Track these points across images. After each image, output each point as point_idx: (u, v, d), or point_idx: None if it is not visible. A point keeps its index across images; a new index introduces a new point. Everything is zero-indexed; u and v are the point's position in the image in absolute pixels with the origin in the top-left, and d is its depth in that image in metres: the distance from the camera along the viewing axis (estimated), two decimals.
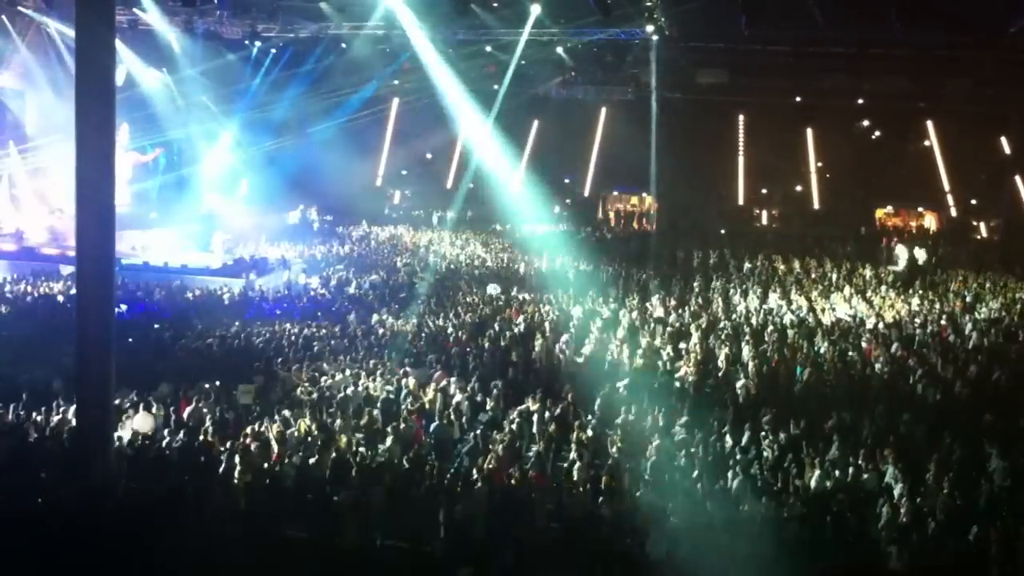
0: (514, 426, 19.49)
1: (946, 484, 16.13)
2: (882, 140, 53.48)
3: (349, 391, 21.48)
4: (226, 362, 24.09)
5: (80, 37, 14.34)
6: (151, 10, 39.11)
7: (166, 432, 18.16)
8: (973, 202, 53.50)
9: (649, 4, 35.04)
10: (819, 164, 56.12)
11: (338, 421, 19.27)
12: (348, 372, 22.99)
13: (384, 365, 23.84)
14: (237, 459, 16.36)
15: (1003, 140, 51.34)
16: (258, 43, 45.10)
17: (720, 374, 24.24)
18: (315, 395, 21.20)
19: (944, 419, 20.40)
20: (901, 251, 42.05)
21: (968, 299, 33.47)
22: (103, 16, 14.30)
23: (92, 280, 14.19)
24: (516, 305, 32.45)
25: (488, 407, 20.97)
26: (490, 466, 16.83)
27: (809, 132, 55.56)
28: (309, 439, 18.11)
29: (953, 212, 53.78)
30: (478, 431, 19.30)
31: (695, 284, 36.56)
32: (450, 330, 28.53)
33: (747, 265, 41.13)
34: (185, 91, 47.76)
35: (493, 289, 35.31)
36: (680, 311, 31.50)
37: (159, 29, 42.43)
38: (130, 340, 25.02)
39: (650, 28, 37.96)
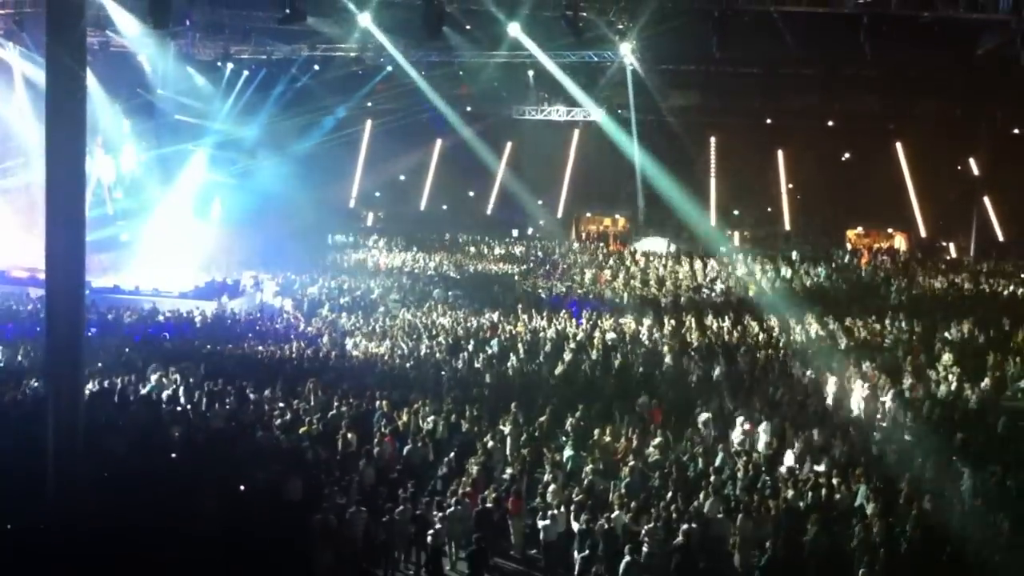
0: (488, 448, 19.45)
1: (917, 504, 16.21)
2: (852, 161, 53.92)
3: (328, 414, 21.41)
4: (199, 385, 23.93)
5: (50, 59, 14.28)
6: (123, 32, 38.92)
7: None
8: (942, 223, 53.96)
9: (621, 27, 35.23)
10: (790, 185, 56.45)
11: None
12: (320, 394, 22.92)
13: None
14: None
15: (972, 161, 51.85)
16: (231, 64, 45.01)
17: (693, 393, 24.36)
18: (288, 417, 21.09)
19: (914, 439, 20.54)
20: None
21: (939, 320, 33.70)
22: (74, 38, 14.25)
23: (62, 301, 14.10)
24: (489, 325, 32.46)
25: (463, 429, 20.93)
26: (465, 489, 16.80)
27: (780, 153, 55.92)
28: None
29: (923, 232, 54.20)
30: (452, 454, 19.21)
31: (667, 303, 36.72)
32: (424, 351, 28.52)
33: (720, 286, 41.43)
34: (157, 112, 47.57)
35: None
36: (653, 330, 31.63)
37: (131, 51, 42.28)
38: (99, 365, 24.87)
39: (622, 50, 38.19)
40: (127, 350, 27.58)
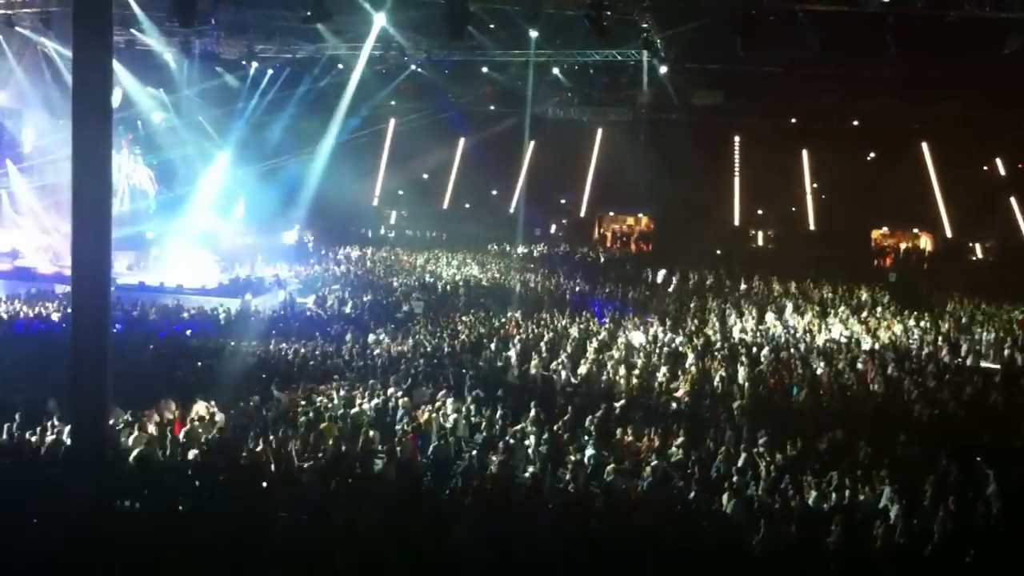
0: (509, 446, 19.45)
1: (942, 506, 16.08)
2: (877, 161, 53.62)
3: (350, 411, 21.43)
4: (223, 382, 24.00)
5: (77, 57, 14.37)
6: (148, 30, 39.17)
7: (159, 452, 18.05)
8: (968, 223, 53.57)
9: (645, 26, 35.14)
10: (814, 185, 56.27)
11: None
12: (343, 392, 22.97)
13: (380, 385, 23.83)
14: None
15: (998, 161, 51.48)
16: (255, 63, 45.22)
17: (716, 395, 24.25)
18: (311, 415, 21.14)
19: (940, 440, 20.37)
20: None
21: (964, 320, 33.48)
22: (100, 36, 14.32)
23: (87, 298, 14.18)
24: (512, 324, 32.46)
25: (483, 427, 20.95)
26: (485, 487, 16.79)
27: (804, 153, 55.71)
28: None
29: (948, 233, 53.85)
30: (474, 452, 19.23)
31: (691, 304, 36.60)
32: (446, 349, 28.53)
33: (743, 286, 41.26)
34: (182, 110, 47.91)
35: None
36: (676, 332, 31.53)
37: (157, 49, 42.55)
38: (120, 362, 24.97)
39: (645, 50, 38.11)
40: (151, 347, 27.73)
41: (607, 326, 32.49)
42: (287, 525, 15.71)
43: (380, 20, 37.12)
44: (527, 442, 19.90)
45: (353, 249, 53.13)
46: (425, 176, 62.51)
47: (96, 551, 13.64)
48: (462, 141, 60.31)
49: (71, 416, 15.20)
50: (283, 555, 14.36)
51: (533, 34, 37.30)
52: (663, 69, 42.40)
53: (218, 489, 16.31)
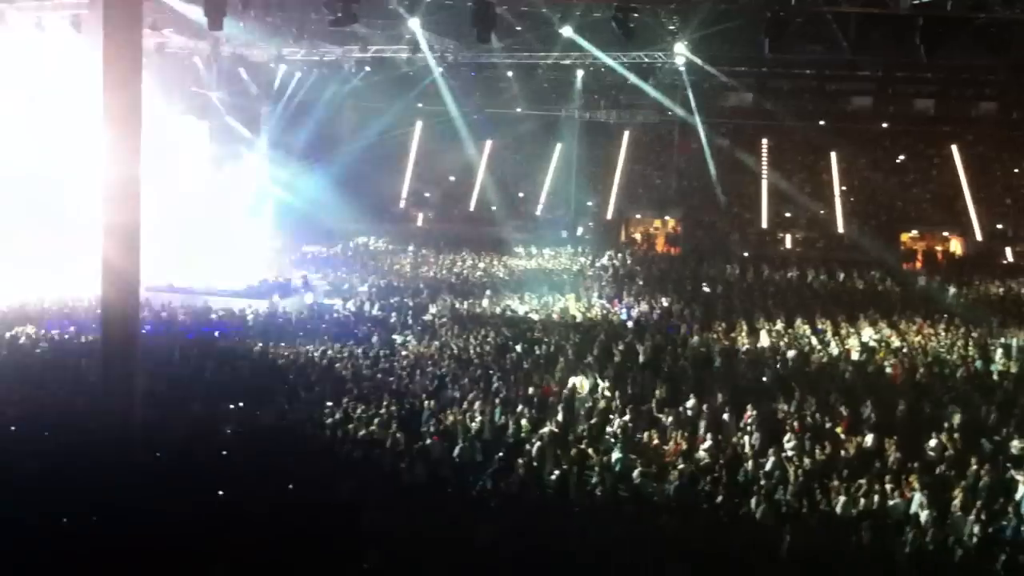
0: (536, 449, 19.41)
1: (974, 512, 15.94)
2: (907, 164, 53.24)
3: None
4: (251, 383, 24.08)
5: (107, 61, 14.48)
6: (178, 34, 39.49)
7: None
8: (999, 227, 53.03)
9: (672, 27, 35.09)
10: (843, 188, 55.86)
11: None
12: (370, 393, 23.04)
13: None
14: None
15: None
16: (284, 66, 45.47)
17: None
18: (339, 416, 21.19)
19: (971, 445, 20.17)
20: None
21: (995, 325, 33.11)
22: (130, 40, 14.44)
23: (117, 300, 14.27)
24: (539, 328, 32.43)
25: (511, 430, 20.92)
26: (513, 490, 16.77)
27: (833, 155, 55.33)
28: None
29: (979, 236, 53.30)
30: (501, 454, 19.19)
31: (718, 308, 36.40)
32: (473, 351, 28.51)
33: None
34: (212, 113, 48.22)
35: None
36: (704, 335, 31.38)
37: (186, 53, 42.86)
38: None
39: (674, 52, 38.01)
40: (179, 348, 27.85)
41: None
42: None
43: (410, 23, 37.25)
44: (554, 444, 19.85)
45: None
46: (452, 178, 62.61)
47: None
48: (489, 143, 60.31)
49: (101, 417, 15.29)
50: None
51: (565, 33, 37.24)
52: (691, 71, 42.25)
53: None
